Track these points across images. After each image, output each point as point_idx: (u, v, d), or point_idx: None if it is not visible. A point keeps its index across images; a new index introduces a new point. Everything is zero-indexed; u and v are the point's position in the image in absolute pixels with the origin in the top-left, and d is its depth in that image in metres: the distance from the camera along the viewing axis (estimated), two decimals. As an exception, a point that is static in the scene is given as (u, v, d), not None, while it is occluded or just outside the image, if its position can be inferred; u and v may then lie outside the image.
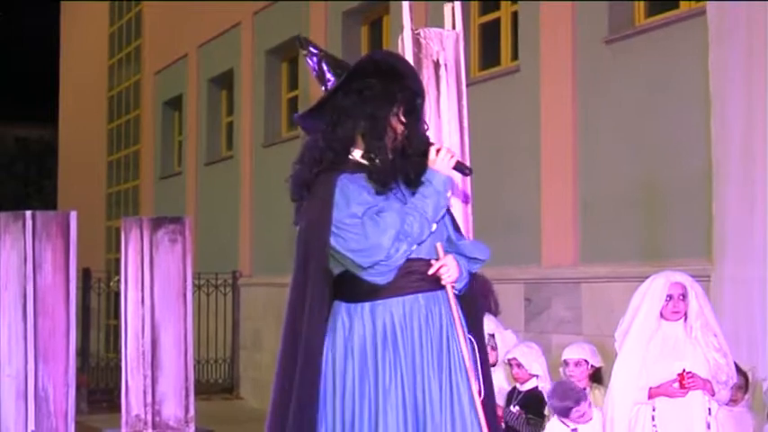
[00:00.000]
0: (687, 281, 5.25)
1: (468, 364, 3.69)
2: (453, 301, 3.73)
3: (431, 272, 3.69)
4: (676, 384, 5.10)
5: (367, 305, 3.69)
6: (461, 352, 3.70)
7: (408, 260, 3.68)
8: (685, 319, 5.22)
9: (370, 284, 3.68)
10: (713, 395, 5.15)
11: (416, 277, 3.70)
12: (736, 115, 6.74)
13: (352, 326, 3.70)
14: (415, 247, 3.67)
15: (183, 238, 7.99)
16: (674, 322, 5.20)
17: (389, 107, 3.72)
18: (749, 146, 6.62)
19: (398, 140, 3.73)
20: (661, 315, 5.21)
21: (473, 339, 3.81)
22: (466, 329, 3.77)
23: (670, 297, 5.19)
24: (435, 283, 3.72)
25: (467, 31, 9.34)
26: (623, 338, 5.28)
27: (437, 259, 3.70)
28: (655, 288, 5.23)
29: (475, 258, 3.83)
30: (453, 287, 3.75)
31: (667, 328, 5.20)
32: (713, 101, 6.90)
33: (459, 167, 3.76)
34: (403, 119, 3.74)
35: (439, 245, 3.72)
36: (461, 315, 3.77)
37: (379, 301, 3.68)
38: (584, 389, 5.75)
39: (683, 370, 5.09)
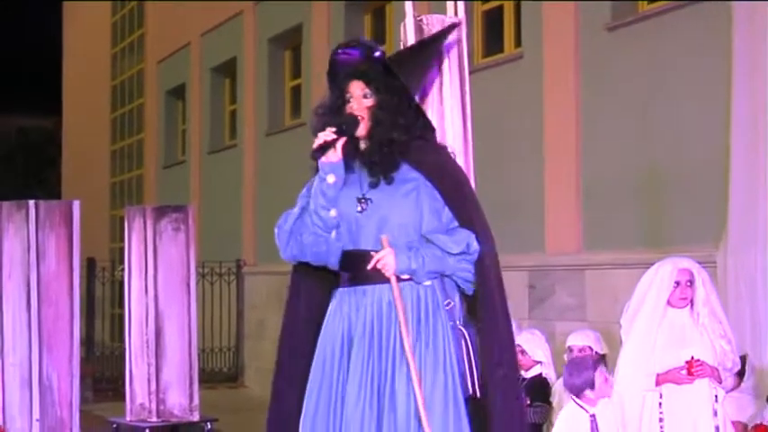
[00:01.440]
0: (694, 267, 5.21)
1: (411, 359, 3.59)
2: (397, 293, 3.66)
3: (369, 266, 3.68)
4: (684, 371, 5.08)
5: (336, 291, 3.82)
6: (405, 348, 3.63)
7: (357, 251, 3.72)
8: (691, 305, 5.19)
9: (334, 273, 3.82)
10: (720, 383, 5.14)
11: (366, 271, 3.71)
12: (742, 103, 6.73)
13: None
14: (330, 233, 3.75)
15: (186, 226, 8.00)
16: (680, 309, 5.18)
17: (339, 101, 3.81)
18: (754, 132, 6.61)
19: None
20: (668, 302, 5.19)
21: (466, 332, 3.73)
22: (460, 321, 3.73)
23: (677, 283, 5.16)
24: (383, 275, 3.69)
25: (470, 17, 9.31)
26: (630, 325, 5.25)
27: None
28: (662, 275, 5.19)
29: (461, 252, 3.72)
30: (405, 279, 3.69)
31: (674, 315, 5.17)
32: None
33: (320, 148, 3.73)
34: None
35: (384, 237, 3.67)
36: (436, 306, 3.72)
37: (339, 290, 3.80)
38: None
39: (692, 357, 5.06)
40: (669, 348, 5.12)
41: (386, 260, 3.64)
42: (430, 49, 4.18)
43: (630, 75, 8.46)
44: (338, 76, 3.84)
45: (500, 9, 10.41)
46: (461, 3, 4.58)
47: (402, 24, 4.45)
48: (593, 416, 5.30)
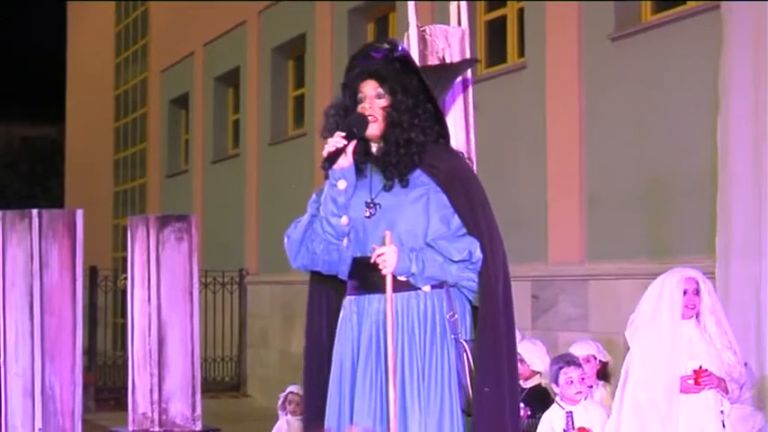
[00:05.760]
0: (699, 276, 5.21)
1: (390, 365, 3.54)
2: (389, 293, 3.58)
3: (372, 259, 3.57)
4: (691, 381, 5.06)
5: (344, 300, 3.81)
6: (387, 355, 3.59)
7: (364, 258, 3.64)
8: (696, 316, 5.17)
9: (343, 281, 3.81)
10: (727, 394, 5.12)
11: (372, 280, 3.63)
12: (745, 113, 6.71)
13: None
14: (341, 241, 3.70)
15: (189, 236, 7.99)
16: (687, 320, 5.15)
17: (350, 101, 3.76)
18: (758, 143, 6.60)
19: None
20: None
21: (467, 346, 3.64)
22: (464, 334, 3.67)
23: (685, 292, 5.14)
24: (396, 284, 3.61)
25: (473, 28, 9.32)
26: (642, 338, 5.17)
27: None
28: (670, 285, 5.15)
29: (463, 260, 3.62)
30: (403, 282, 3.63)
31: (681, 325, 5.15)
32: (721, 99, 6.85)
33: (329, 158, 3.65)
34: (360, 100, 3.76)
35: (387, 234, 3.58)
36: (447, 313, 3.67)
37: (347, 298, 3.78)
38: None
39: (699, 367, 5.05)
40: (676, 359, 5.10)
41: (387, 256, 3.54)
42: (449, 74, 4.12)
43: (634, 85, 8.45)
44: (351, 76, 3.76)
45: (503, 19, 10.42)
46: (465, 10, 4.59)
47: (405, 35, 4.45)
48: (569, 413, 5.41)
